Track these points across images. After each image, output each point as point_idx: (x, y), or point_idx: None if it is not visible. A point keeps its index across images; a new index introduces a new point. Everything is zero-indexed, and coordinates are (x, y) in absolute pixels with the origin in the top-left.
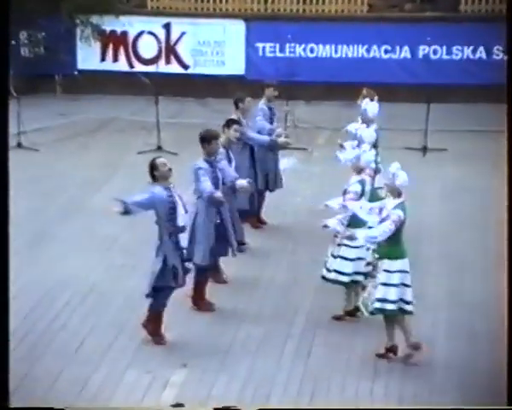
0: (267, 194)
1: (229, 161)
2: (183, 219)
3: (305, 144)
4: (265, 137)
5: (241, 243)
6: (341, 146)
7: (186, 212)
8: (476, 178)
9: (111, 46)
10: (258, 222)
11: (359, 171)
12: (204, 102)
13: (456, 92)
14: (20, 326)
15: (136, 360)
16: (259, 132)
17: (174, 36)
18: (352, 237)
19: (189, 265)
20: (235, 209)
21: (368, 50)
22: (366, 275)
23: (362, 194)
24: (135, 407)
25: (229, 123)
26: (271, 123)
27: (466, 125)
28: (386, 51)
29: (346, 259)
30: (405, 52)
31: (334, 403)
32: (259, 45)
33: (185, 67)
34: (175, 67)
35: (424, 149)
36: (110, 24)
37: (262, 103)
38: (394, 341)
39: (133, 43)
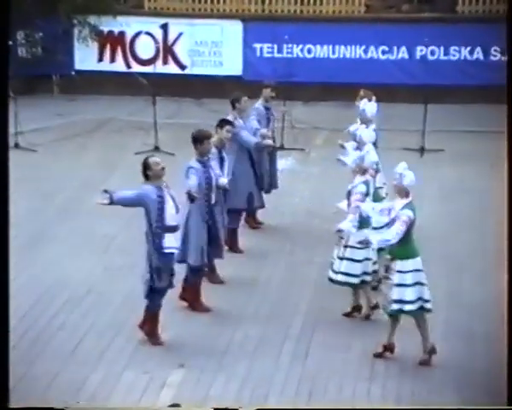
0: (263, 195)
1: (222, 160)
2: (173, 218)
3: (303, 145)
4: (252, 139)
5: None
6: (342, 147)
7: (177, 212)
8: (474, 178)
9: (108, 46)
10: (254, 223)
11: (363, 171)
12: (201, 103)
13: (454, 93)
14: (18, 326)
15: (134, 361)
16: (254, 134)
17: (171, 36)
18: (366, 242)
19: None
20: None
21: (365, 51)
22: (373, 274)
23: (366, 194)
24: (133, 408)
25: (222, 123)
26: (268, 123)
27: (463, 125)
28: (383, 52)
29: (354, 260)
30: (403, 53)
31: (331, 403)
32: (257, 46)
33: (182, 67)
34: (172, 68)
35: (422, 150)
36: (107, 24)
37: (259, 103)
38: (393, 339)
39: (130, 43)
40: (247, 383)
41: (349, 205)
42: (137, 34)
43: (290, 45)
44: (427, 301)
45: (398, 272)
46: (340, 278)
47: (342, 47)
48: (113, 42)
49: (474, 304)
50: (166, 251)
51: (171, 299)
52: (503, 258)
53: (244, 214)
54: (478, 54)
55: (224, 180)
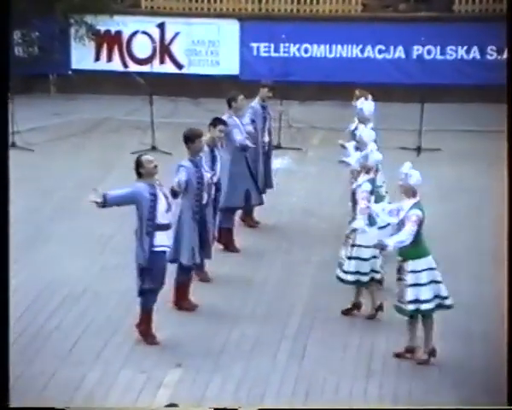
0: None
1: (214, 159)
2: (165, 217)
3: (300, 144)
4: (237, 138)
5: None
6: (343, 147)
7: (169, 210)
8: (471, 177)
9: (105, 46)
10: (251, 221)
11: (367, 170)
12: (198, 102)
13: (450, 92)
14: (16, 326)
15: (131, 360)
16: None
17: (168, 36)
18: (382, 246)
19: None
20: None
21: (362, 50)
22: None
23: (371, 193)
24: (132, 408)
25: (215, 122)
26: (264, 122)
27: (460, 125)
28: (380, 51)
29: (362, 259)
30: (399, 52)
31: (328, 403)
32: (254, 45)
33: (179, 66)
34: (169, 67)
35: (418, 149)
36: (104, 24)
37: (255, 102)
38: (416, 343)
39: (127, 42)
40: (243, 383)
41: (355, 204)
42: (134, 33)
43: (287, 44)
44: (445, 297)
45: (410, 272)
46: (349, 277)
47: (339, 46)
48: (109, 41)
49: (472, 303)
50: (158, 249)
51: (168, 299)
52: (501, 257)
53: (241, 213)
54: (474, 53)
55: (207, 175)
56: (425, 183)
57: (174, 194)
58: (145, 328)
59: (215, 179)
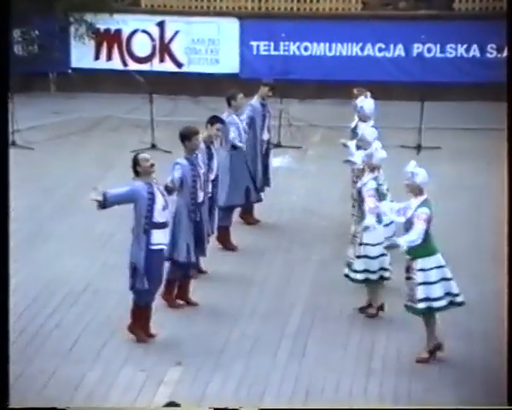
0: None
1: (211, 157)
2: (162, 215)
3: (300, 143)
4: (230, 138)
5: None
6: (345, 146)
7: (166, 208)
8: (471, 176)
9: (105, 44)
10: (251, 219)
11: (372, 169)
12: (198, 101)
13: (450, 90)
14: (15, 325)
15: (131, 359)
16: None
17: (168, 34)
18: (395, 245)
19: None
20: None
21: (362, 49)
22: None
23: (377, 191)
24: (135, 408)
25: (213, 120)
26: (264, 120)
27: (460, 123)
28: (380, 49)
29: (370, 258)
30: (399, 50)
31: (328, 403)
32: (253, 44)
33: (179, 65)
34: (169, 66)
35: (418, 148)
36: (104, 22)
37: (255, 100)
38: (436, 339)
39: (127, 41)
40: (243, 382)
41: (362, 202)
42: (134, 32)
43: (287, 43)
44: (456, 294)
45: (420, 270)
46: (359, 276)
47: (339, 44)
48: (109, 40)
49: (472, 302)
50: (155, 247)
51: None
52: (501, 255)
53: (240, 211)
54: (474, 51)
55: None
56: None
57: (168, 191)
58: (135, 324)
59: (212, 177)
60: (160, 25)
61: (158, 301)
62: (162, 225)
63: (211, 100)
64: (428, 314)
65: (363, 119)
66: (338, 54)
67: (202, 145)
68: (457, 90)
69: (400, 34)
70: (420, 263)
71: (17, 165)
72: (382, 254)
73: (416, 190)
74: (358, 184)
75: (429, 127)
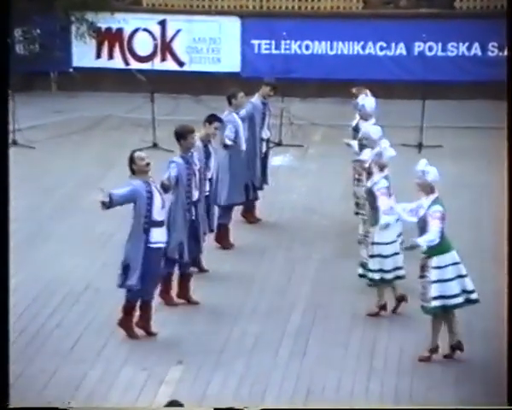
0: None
1: (208, 155)
2: (160, 213)
3: (301, 141)
4: (226, 134)
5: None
6: (348, 145)
7: (164, 207)
8: (472, 174)
9: (106, 43)
10: (252, 217)
11: (382, 167)
12: (200, 100)
13: (452, 89)
14: (15, 325)
15: (132, 358)
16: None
17: (169, 33)
18: (415, 246)
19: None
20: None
21: (363, 47)
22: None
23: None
24: (137, 407)
25: (211, 119)
26: (264, 118)
27: (461, 121)
28: (381, 48)
29: (384, 256)
30: (401, 49)
31: (330, 403)
32: (255, 42)
33: (181, 64)
34: (170, 64)
35: (420, 146)
36: (105, 21)
37: (256, 98)
38: (456, 337)
39: (128, 40)
40: (245, 380)
41: (373, 201)
42: (135, 31)
43: (288, 42)
44: (471, 291)
45: (435, 268)
46: (375, 275)
47: (340, 43)
48: (110, 39)
49: None
50: (153, 246)
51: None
52: (501, 254)
53: (242, 209)
54: (476, 50)
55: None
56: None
57: (164, 189)
58: (126, 320)
59: (209, 175)
60: (162, 24)
61: (157, 300)
62: (160, 224)
63: (212, 99)
64: (443, 313)
65: (365, 117)
66: (339, 52)
67: (200, 143)
68: (459, 88)
69: (401, 33)
70: (435, 261)
71: (18, 164)
72: (396, 253)
73: (428, 189)
74: (368, 184)
75: (430, 126)
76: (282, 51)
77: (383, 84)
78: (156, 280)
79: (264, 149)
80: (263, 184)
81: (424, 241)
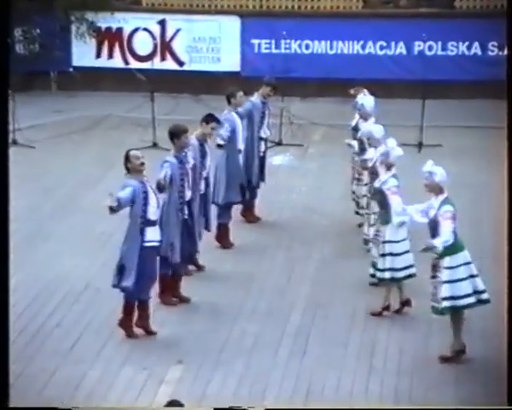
0: (262, 189)
1: (204, 154)
2: (155, 213)
3: (301, 141)
4: (219, 133)
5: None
6: (349, 145)
7: (158, 206)
8: (472, 173)
9: (106, 43)
10: (252, 217)
11: (389, 167)
12: (199, 99)
13: (452, 88)
14: (15, 324)
15: (132, 357)
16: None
17: (169, 32)
18: (431, 247)
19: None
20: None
21: (363, 47)
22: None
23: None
24: (139, 407)
25: (208, 119)
26: (263, 117)
27: (461, 120)
28: (381, 47)
29: (395, 255)
30: (400, 48)
31: (330, 403)
32: (255, 42)
33: (180, 63)
34: (170, 64)
35: (419, 145)
36: (105, 21)
37: (256, 97)
38: (462, 340)
39: (128, 39)
40: (244, 380)
41: (383, 200)
42: (135, 30)
43: (288, 41)
44: (482, 292)
45: (447, 268)
46: (386, 274)
47: (340, 43)
48: (110, 38)
49: None
50: (149, 245)
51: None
52: (501, 254)
53: (241, 209)
54: (476, 49)
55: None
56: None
57: (160, 189)
58: (125, 320)
59: (204, 174)
60: (162, 23)
61: (156, 300)
62: (154, 223)
63: (212, 98)
64: (454, 313)
65: (364, 116)
66: (339, 52)
67: (196, 142)
68: (459, 87)
69: (401, 32)
70: (448, 261)
71: (18, 164)
72: (407, 251)
73: (437, 189)
74: (377, 184)
75: (430, 125)
76: (282, 51)
77: (383, 83)
78: (152, 279)
79: (262, 149)
80: (260, 182)
81: (440, 242)
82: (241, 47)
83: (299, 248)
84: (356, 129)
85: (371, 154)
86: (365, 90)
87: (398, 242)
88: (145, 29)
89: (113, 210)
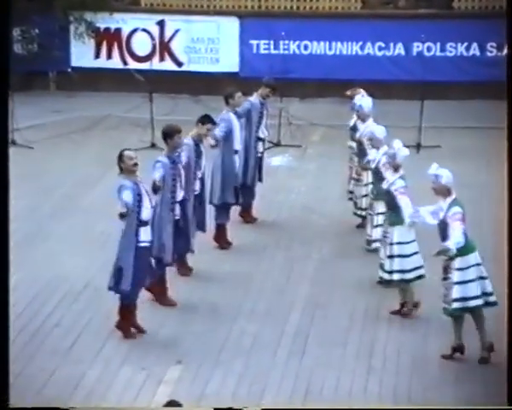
0: (261, 190)
1: (199, 154)
2: (148, 213)
3: (300, 141)
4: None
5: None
6: (351, 147)
7: (152, 207)
8: (471, 174)
9: (105, 43)
10: (249, 217)
11: (396, 168)
12: (198, 100)
13: (450, 89)
14: (15, 324)
15: (131, 357)
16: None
17: (168, 33)
18: (446, 250)
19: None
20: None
21: (362, 47)
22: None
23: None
24: (139, 407)
25: (204, 120)
26: (261, 117)
27: (460, 121)
28: (380, 48)
29: (403, 256)
30: (399, 49)
31: (328, 403)
32: (253, 42)
33: (179, 64)
34: (169, 64)
35: (418, 146)
36: (104, 21)
37: (254, 97)
38: (461, 339)
39: (127, 40)
40: (243, 380)
41: (391, 200)
42: (134, 31)
43: (287, 42)
44: (490, 294)
45: (458, 270)
46: (395, 276)
47: (339, 43)
48: (109, 39)
49: None
50: (142, 245)
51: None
52: (501, 255)
53: (239, 209)
54: (474, 50)
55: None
56: (425, 180)
57: (155, 190)
58: (123, 322)
59: (199, 174)
60: (160, 24)
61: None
62: (146, 223)
63: (211, 99)
64: (473, 313)
65: (363, 117)
66: (338, 53)
67: (191, 142)
68: (457, 88)
69: (400, 33)
70: (459, 262)
71: (17, 164)
72: (416, 252)
73: (445, 191)
74: (384, 185)
75: (429, 126)
76: (281, 51)
77: (382, 84)
78: (144, 279)
79: (260, 149)
80: (256, 182)
81: (453, 244)
82: (240, 48)
83: (298, 248)
84: (354, 129)
85: (373, 155)
86: (362, 91)
87: (407, 243)
88: (144, 29)
89: (123, 216)
